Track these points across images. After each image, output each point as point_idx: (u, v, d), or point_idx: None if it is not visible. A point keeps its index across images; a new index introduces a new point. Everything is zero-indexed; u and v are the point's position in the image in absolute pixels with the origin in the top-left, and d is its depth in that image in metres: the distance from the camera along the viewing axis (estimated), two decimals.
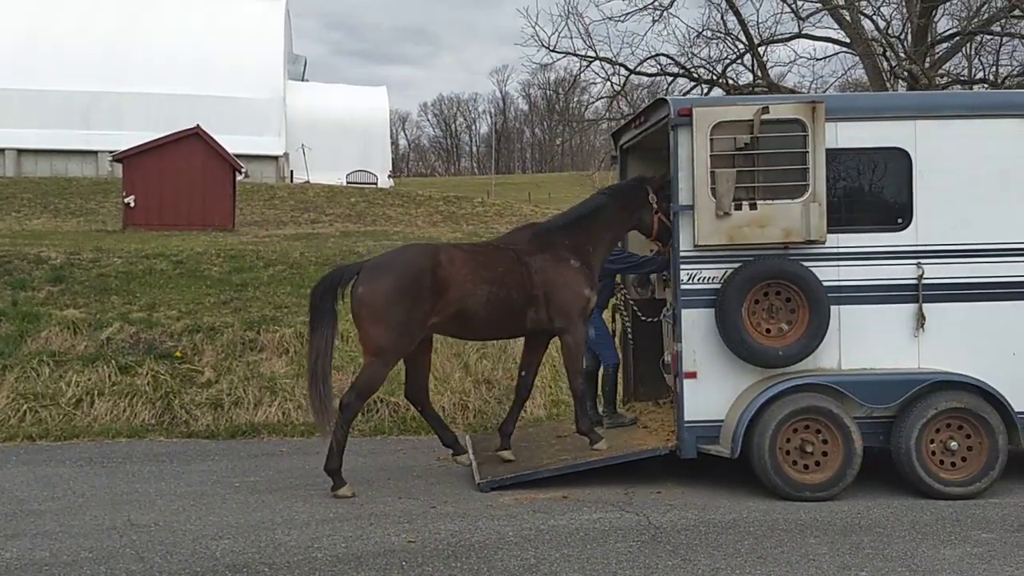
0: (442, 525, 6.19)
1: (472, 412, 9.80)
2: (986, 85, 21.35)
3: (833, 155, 6.94)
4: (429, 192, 34.10)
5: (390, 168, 49.75)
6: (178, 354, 10.36)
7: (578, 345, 7.38)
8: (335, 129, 45.49)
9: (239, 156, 24.25)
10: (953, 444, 6.86)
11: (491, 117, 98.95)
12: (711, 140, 6.78)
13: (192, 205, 20.53)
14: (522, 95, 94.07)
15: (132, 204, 20.32)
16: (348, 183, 41.29)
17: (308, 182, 37.84)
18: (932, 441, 6.86)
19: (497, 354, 10.48)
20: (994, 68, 22.97)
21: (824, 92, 20.71)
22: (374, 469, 7.96)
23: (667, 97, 7.36)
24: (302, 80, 50.73)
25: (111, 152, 26.50)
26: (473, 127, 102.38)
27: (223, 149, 21.92)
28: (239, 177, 23.11)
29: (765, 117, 6.77)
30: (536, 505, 6.67)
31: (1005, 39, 21.28)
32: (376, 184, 42.72)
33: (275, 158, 42.10)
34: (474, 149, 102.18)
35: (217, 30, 42.78)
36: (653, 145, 8.12)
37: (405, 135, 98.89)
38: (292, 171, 42.75)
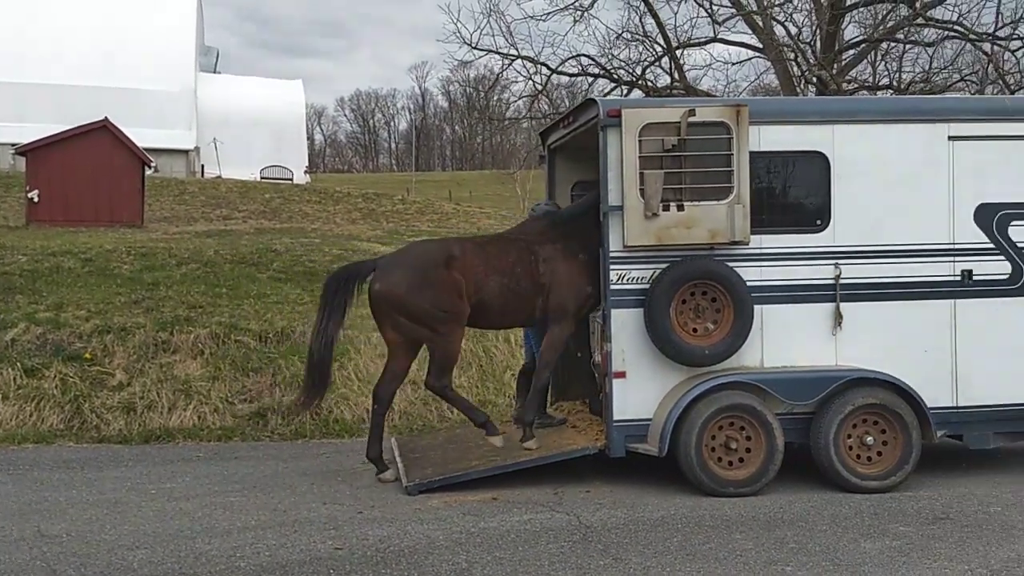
0: (370, 531, 6.08)
1: (397, 413, 9.65)
2: (891, 91, 22.15)
3: (756, 158, 7.06)
4: (347, 189, 33.56)
5: (306, 164, 48.86)
6: (87, 356, 9.95)
7: (563, 339, 7.52)
8: (248, 123, 44.39)
9: (148, 150, 23.42)
10: (869, 439, 7.08)
11: (410, 113, 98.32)
12: (640, 141, 6.82)
13: (99, 200, 19.74)
14: (442, 92, 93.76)
15: (36, 199, 19.43)
16: (262, 178, 40.35)
17: (220, 177, 36.83)
18: (849, 436, 7.07)
19: (422, 355, 10.34)
20: (897, 74, 23.87)
21: (738, 96, 21.18)
22: (296, 474, 7.78)
23: (596, 98, 7.39)
24: (214, 72, 49.42)
25: (14, 145, 25.28)
26: (392, 123, 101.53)
27: (132, 142, 21.17)
28: (148, 172, 22.36)
29: (691, 120, 6.84)
30: (466, 507, 6.61)
31: (908, 47, 22.10)
32: (292, 180, 41.84)
33: (185, 152, 40.88)
34: (393, 145, 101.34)
35: (126, 20, 41.29)
36: (581, 145, 8.14)
37: (321, 130, 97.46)
38: (203, 165, 41.60)
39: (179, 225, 20.99)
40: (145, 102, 38.56)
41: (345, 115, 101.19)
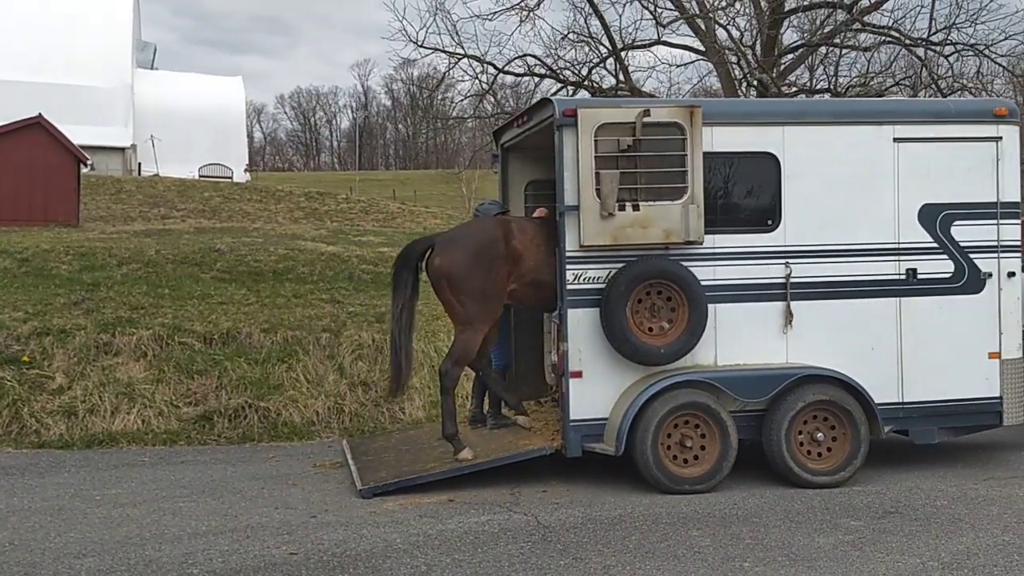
0: (325, 535, 5.98)
1: (348, 416, 9.53)
2: (828, 94, 22.64)
3: (709, 158, 7.12)
4: (289, 187, 33.03)
5: (247, 162, 48.07)
6: (26, 359, 9.62)
7: None
8: (187, 120, 43.54)
9: (83, 147, 22.79)
10: (819, 435, 7.20)
11: (352, 111, 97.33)
12: (595, 141, 6.82)
13: (33, 199, 19.15)
14: (385, 90, 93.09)
15: None
16: (201, 177, 39.56)
17: (158, 175, 36.01)
18: (800, 432, 7.18)
19: (373, 355, 10.26)
20: (834, 78, 24.41)
21: (681, 97, 21.42)
22: (246, 478, 7.62)
23: (552, 97, 7.39)
24: (151, 68, 48.34)
25: None
26: (333, 121, 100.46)
27: (67, 140, 20.57)
28: (84, 170, 21.77)
29: (646, 120, 6.87)
30: (422, 509, 6.55)
31: (845, 51, 22.63)
32: (231, 178, 41.12)
33: (122, 150, 39.92)
34: (335, 144, 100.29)
35: (61, 14, 40.14)
36: (535, 144, 8.13)
37: (261, 128, 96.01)
38: (140, 163, 40.66)
39: (116, 224, 20.47)
40: (81, 98, 37.55)
41: (285, 113, 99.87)
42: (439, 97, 29.43)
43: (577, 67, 21.36)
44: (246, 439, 9.15)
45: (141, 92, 42.27)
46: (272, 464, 8.20)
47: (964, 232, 7.59)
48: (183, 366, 9.85)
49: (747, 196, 7.49)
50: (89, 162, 22.60)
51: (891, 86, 22.43)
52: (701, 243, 7.01)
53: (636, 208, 6.87)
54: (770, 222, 7.38)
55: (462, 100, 23.87)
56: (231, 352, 10.16)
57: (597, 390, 7.03)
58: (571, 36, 21.47)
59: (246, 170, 46.56)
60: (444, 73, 22.42)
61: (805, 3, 21.31)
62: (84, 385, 9.40)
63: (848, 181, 7.47)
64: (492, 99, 22.74)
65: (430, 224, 24.40)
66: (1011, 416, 7.65)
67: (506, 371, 8.28)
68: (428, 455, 7.55)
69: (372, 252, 14.25)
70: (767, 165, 7.37)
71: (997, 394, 7.61)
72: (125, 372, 9.74)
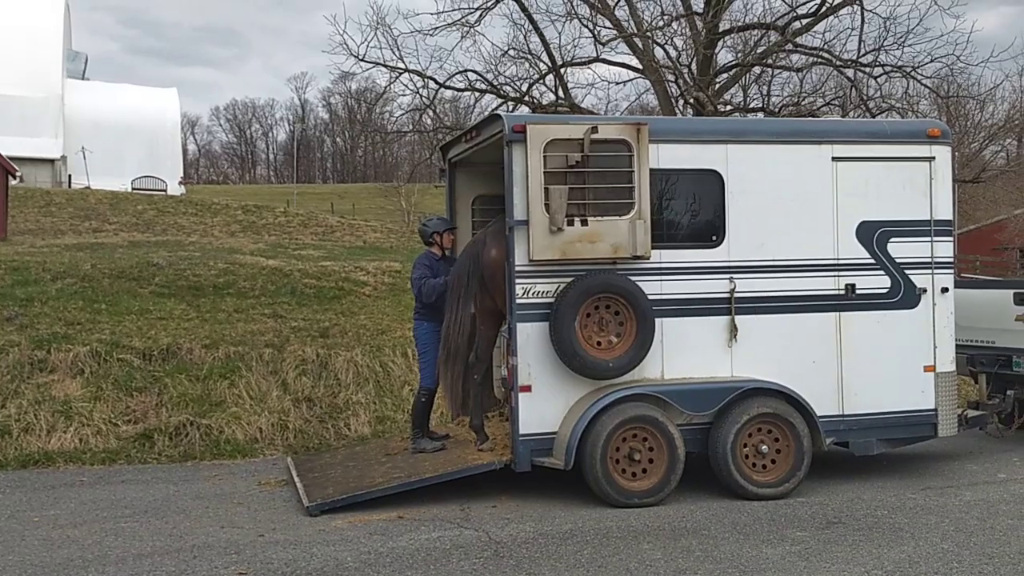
0: (274, 554, 5.88)
1: (292, 432, 9.39)
2: (762, 113, 23.16)
3: (655, 175, 7.23)
4: (225, 200, 32.50)
5: (181, 174, 47.15)
6: None
7: None
8: (119, 131, 42.55)
9: (11, 159, 22.19)
10: (764, 447, 7.33)
11: (289, 124, 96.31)
12: (544, 157, 6.88)
13: None
14: (322, 103, 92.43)
15: None
16: (134, 189, 38.69)
17: (88, 188, 35.11)
18: (745, 445, 7.30)
19: (317, 371, 10.15)
20: (767, 98, 25.00)
21: (619, 115, 21.71)
22: (190, 497, 7.46)
23: (502, 113, 7.43)
24: (82, 79, 47.19)
25: None
26: (270, 134, 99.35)
27: None
28: (13, 182, 21.16)
29: (594, 136, 6.96)
30: (372, 527, 6.49)
31: (777, 71, 23.19)
32: (165, 191, 40.30)
33: (51, 161, 38.87)
34: (271, 157, 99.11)
35: None
36: (483, 160, 8.16)
37: (195, 140, 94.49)
38: (70, 175, 39.61)
39: (46, 238, 19.89)
40: (8, 109, 36.51)
41: (220, 125, 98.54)
42: (378, 111, 29.30)
43: (517, 83, 21.47)
44: (188, 457, 8.96)
45: (72, 103, 41.23)
46: (216, 482, 8.04)
47: (900, 249, 7.83)
48: (122, 383, 9.62)
49: (692, 212, 7.60)
50: (18, 174, 21.98)
51: (822, 106, 23.02)
52: (648, 258, 7.11)
53: (584, 223, 6.94)
54: (714, 238, 7.51)
55: (402, 114, 23.76)
56: (171, 368, 9.96)
57: (546, 404, 7.06)
58: (511, 52, 21.58)
59: (181, 183, 45.67)
60: (385, 87, 22.31)
61: (740, 24, 21.79)
62: (18, 403, 9.10)
63: (789, 198, 7.65)
64: (432, 113, 22.69)
65: (371, 238, 24.26)
66: (945, 428, 7.89)
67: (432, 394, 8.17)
68: (375, 471, 7.49)
69: (314, 266, 14.09)
70: (711, 182, 7.51)
71: (932, 406, 7.85)
72: (61, 389, 9.46)
